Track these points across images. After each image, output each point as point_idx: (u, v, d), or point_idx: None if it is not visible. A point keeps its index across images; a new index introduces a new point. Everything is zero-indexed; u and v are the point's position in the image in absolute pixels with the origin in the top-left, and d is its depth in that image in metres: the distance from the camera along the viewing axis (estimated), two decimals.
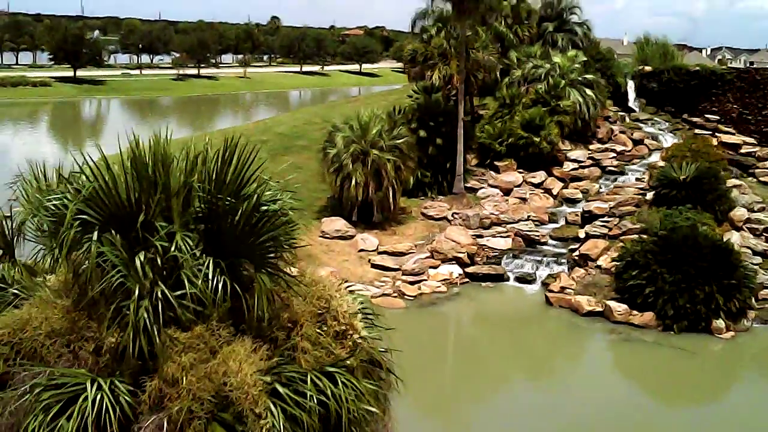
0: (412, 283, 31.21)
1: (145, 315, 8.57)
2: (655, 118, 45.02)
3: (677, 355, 26.10)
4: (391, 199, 34.76)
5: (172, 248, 8.88)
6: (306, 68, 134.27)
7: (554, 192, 37.68)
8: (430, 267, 32.18)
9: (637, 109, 45.87)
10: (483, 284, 32.02)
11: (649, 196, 34.55)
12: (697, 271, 27.29)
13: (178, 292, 8.89)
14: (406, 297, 30.31)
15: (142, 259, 8.85)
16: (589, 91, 40.90)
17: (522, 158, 38.82)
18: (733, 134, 42.04)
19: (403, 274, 31.54)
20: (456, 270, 32.24)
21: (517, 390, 24.44)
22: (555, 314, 29.50)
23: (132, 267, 8.79)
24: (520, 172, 38.57)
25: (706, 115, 43.74)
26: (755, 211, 33.31)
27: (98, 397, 8.25)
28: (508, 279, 32.40)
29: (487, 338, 29.15)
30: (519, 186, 37.77)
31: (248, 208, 9.20)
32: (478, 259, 33.03)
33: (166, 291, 8.65)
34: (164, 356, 8.61)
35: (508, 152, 38.96)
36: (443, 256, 32.66)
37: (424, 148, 37.79)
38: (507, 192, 37.42)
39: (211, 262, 9.06)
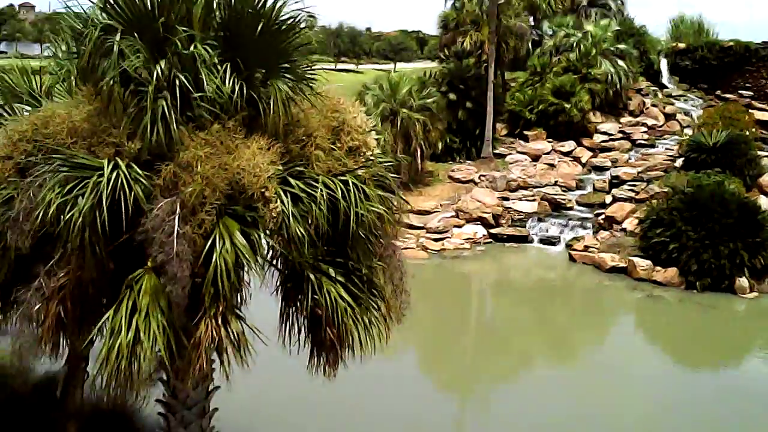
0: (435, 240, 31.35)
1: (164, 104, 8.75)
2: (688, 95, 44.57)
3: (701, 314, 25.78)
4: (418, 160, 34.88)
5: (191, 48, 9.06)
6: (340, 66, 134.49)
7: (583, 160, 37.55)
8: (455, 226, 32.30)
9: (670, 86, 45.47)
10: (506, 245, 32.03)
11: (678, 163, 34.35)
12: (722, 227, 27.07)
13: (197, 95, 9.09)
14: (429, 251, 30.42)
15: (162, 65, 9.05)
16: (620, 62, 40.70)
17: (551, 127, 38.73)
18: (767, 111, 41.57)
19: (427, 232, 31.67)
20: (480, 230, 32.30)
21: (538, 349, 23.12)
22: (577, 270, 29.45)
23: (152, 64, 8.99)
24: (549, 141, 38.50)
25: (740, 92, 43.27)
26: None
27: (114, 175, 8.43)
28: (532, 241, 32.38)
29: (508, 291, 29.15)
30: (548, 153, 37.71)
31: (268, 17, 9.36)
32: (503, 220, 33.03)
33: (184, 79, 8.81)
34: (181, 146, 8.79)
35: (537, 121, 38.91)
36: (468, 215, 32.73)
37: (454, 112, 37.91)
38: (535, 158, 37.38)
39: (228, 66, 9.22)
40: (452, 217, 32.90)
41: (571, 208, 34.02)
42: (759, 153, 33.92)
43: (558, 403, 17.70)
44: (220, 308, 8.37)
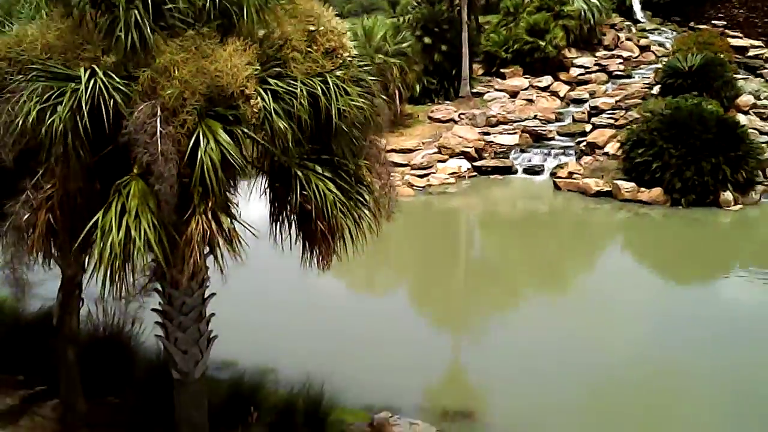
0: (420, 176, 31.48)
1: (136, 13, 8.70)
2: (662, 28, 44.45)
3: (687, 229, 26.09)
4: (397, 103, 34.82)
5: None
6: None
7: (561, 94, 37.56)
8: (439, 161, 32.45)
9: (642, 20, 45.35)
10: (491, 177, 32.22)
11: (656, 90, 34.44)
12: (703, 144, 27.36)
13: (170, 6, 9.04)
14: (414, 187, 30.54)
15: None
16: None
17: (528, 64, 38.73)
18: (741, 38, 41.54)
19: (411, 169, 31.77)
20: (465, 164, 32.49)
21: (529, 279, 22.90)
22: (563, 197, 29.70)
23: None
24: (526, 78, 38.51)
25: (713, 22, 43.18)
26: (761, 99, 33.12)
27: (92, 83, 8.42)
28: (516, 171, 32.57)
29: (496, 223, 29.36)
30: (525, 89, 37.74)
31: None
32: (486, 154, 33.19)
33: None
34: (157, 51, 8.77)
35: (513, 59, 38.89)
36: (451, 151, 32.87)
37: (430, 55, 37.84)
38: (513, 95, 37.40)
39: None
40: (435, 153, 33.02)
41: (552, 139, 34.15)
42: (735, 75, 34.00)
43: (551, 330, 17.65)
44: (210, 204, 8.42)
